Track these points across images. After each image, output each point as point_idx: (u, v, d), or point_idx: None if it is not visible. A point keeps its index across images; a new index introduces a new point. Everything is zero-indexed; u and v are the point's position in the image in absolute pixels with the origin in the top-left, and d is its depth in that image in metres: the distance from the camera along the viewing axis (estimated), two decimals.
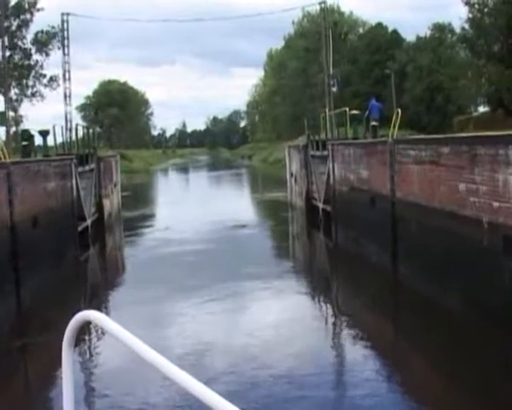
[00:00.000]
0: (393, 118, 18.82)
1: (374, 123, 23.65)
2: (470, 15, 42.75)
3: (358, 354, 11.03)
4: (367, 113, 25.73)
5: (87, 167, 26.13)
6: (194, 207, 36.65)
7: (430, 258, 13.74)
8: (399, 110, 18.96)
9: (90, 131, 28.47)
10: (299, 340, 12.03)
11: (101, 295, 17.53)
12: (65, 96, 32.80)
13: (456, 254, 12.39)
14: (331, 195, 24.24)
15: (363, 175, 19.55)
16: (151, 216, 35.08)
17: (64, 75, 33.23)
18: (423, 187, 14.18)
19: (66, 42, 33.33)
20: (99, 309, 15.83)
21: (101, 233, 27.51)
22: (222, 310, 14.35)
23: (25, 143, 23.21)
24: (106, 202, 29.04)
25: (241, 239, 25.07)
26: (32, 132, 25.75)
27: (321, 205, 26.78)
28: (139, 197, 48.86)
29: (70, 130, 28.78)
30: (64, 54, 33.37)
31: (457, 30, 51.15)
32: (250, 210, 36.56)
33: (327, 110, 31.42)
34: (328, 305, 15.43)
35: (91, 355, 11.42)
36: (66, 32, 33.15)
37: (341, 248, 22.55)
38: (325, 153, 25.57)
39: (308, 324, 13.23)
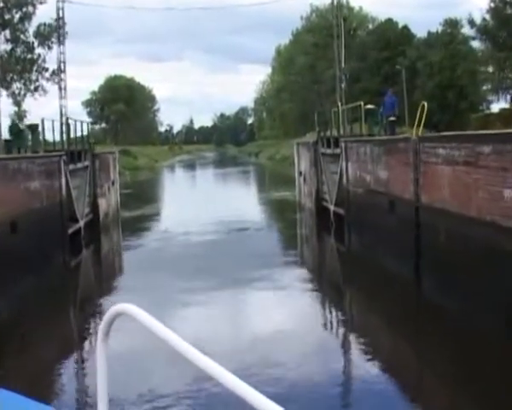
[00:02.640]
0: (418, 112, 16.77)
1: (392, 118, 21.67)
2: (492, 5, 40.63)
3: (372, 383, 9.39)
4: (382, 108, 23.90)
5: (79, 165, 24.28)
6: (198, 207, 34.72)
7: (463, 274, 11.78)
8: (425, 103, 16.91)
9: (84, 125, 26.51)
10: (307, 365, 10.31)
11: (90, 306, 15.75)
12: (60, 89, 30.85)
13: (497, 272, 10.44)
14: (344, 196, 22.28)
15: (382, 176, 17.55)
16: (152, 216, 33.19)
17: (59, 66, 31.30)
18: (456, 192, 12.19)
19: (61, 31, 31.45)
20: (86, 322, 14.06)
21: (96, 235, 25.77)
22: (226, 330, 12.56)
23: (8, 138, 21.35)
24: (101, 202, 27.20)
25: (246, 244, 23.14)
26: (22, 127, 23.99)
27: (332, 207, 24.85)
28: (142, 196, 47.19)
29: (62, 124, 26.70)
30: (60, 44, 31.53)
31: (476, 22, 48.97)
32: (256, 211, 34.61)
33: (339, 104, 29.39)
34: (341, 321, 13.56)
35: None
36: (61, 21, 31.25)
37: (355, 255, 20.56)
38: (337, 151, 23.59)
39: (317, 346, 11.51)
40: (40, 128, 23.24)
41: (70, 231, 21.84)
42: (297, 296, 15.24)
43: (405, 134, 18.26)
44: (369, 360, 10.61)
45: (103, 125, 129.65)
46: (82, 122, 26.05)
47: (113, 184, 30.00)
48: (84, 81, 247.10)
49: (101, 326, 2.43)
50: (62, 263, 20.41)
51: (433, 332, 11.84)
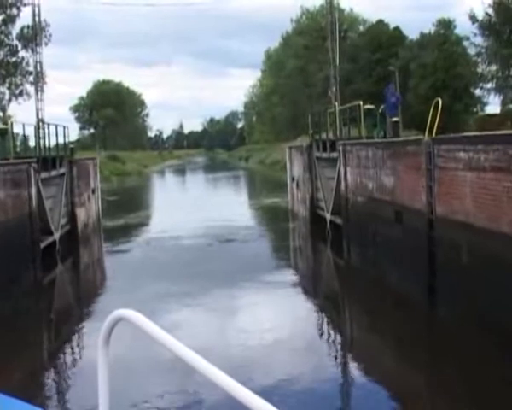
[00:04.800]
0: (431, 110, 14.93)
1: (395, 119, 19.84)
2: None
3: None
4: (383, 107, 22.10)
5: (54, 172, 22.34)
6: (187, 216, 32.81)
7: (492, 300, 9.96)
8: (440, 100, 15.10)
9: (60, 129, 24.54)
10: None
11: (63, 329, 13.98)
12: (36, 91, 28.86)
13: None
14: (342, 204, 20.44)
15: (387, 183, 15.70)
16: (137, 226, 31.25)
17: (35, 67, 29.34)
18: (482, 203, 10.35)
19: (38, 31, 29.52)
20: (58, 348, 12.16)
21: (74, 248, 23.87)
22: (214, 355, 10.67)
23: None
24: (80, 212, 25.28)
25: (235, 257, 21.28)
26: None
27: (328, 216, 23.01)
28: (128, 203, 45.33)
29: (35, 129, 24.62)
30: (36, 44, 29.58)
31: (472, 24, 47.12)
32: (247, 219, 32.68)
33: (336, 104, 27.55)
34: (341, 350, 11.68)
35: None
36: (37, 18, 29.31)
37: (355, 270, 18.70)
38: (334, 155, 21.74)
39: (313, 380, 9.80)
40: (22, 134, 21.45)
41: (43, 244, 20.00)
42: (292, 321, 13.46)
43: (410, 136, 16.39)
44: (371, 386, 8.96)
45: (92, 130, 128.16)
46: (57, 126, 24.06)
47: (93, 192, 28.07)
48: (74, 87, 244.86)
49: (102, 332, 2.34)
50: (33, 281, 18.64)
51: (450, 363, 9.99)
